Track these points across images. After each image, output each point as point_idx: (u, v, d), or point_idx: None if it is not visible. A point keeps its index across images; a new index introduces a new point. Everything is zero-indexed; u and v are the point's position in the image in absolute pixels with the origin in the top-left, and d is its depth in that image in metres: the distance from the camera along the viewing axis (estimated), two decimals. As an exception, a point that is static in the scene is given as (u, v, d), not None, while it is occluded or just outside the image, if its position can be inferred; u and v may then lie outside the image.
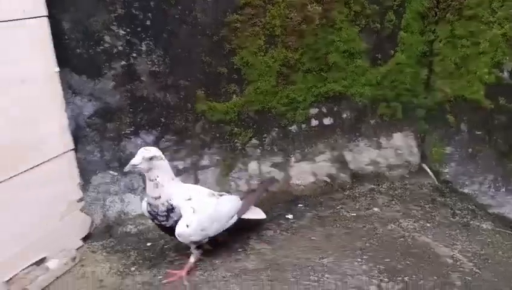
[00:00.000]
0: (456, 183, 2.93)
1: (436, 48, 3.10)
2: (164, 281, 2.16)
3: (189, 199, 2.13)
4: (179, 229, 2.08)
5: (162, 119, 2.67)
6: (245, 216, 2.39)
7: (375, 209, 2.77)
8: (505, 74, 2.65)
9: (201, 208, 2.15)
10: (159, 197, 2.06)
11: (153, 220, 2.17)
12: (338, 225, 2.62)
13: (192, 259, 2.22)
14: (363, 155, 3.14)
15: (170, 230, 2.13)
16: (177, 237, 2.10)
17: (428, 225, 2.59)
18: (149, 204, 2.13)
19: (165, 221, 2.10)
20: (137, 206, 2.61)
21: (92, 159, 2.57)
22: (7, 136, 1.93)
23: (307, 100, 2.96)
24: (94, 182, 2.59)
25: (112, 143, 2.59)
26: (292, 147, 3.01)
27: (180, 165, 2.76)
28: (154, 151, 2.01)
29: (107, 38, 2.43)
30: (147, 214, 2.19)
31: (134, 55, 2.51)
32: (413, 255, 2.31)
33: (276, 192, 2.88)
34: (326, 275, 2.20)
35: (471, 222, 2.60)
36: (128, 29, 2.46)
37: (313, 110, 3.01)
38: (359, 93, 3.07)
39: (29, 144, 2.04)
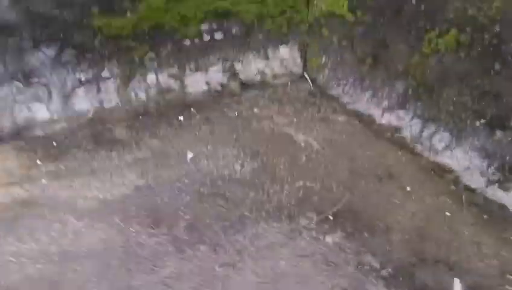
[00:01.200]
0: (327, 87, 3.46)
1: (314, -31, 3.49)
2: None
3: None
4: None
5: (61, 35, 2.96)
6: None
7: (255, 110, 3.26)
8: (360, -11, 3.10)
9: None
10: None
11: None
12: (221, 123, 3.11)
13: None
14: (252, 66, 3.58)
15: None
16: None
17: (295, 120, 3.12)
18: None
19: None
20: (44, 113, 2.97)
21: (-3, 71, 2.86)
22: None
23: (197, 17, 3.31)
24: (1, 92, 2.89)
25: (14, 56, 2.87)
26: (186, 59, 3.39)
27: (83, 77, 3.10)
28: None
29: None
30: None
31: (26, -27, 2.75)
32: (275, 142, 2.86)
33: (172, 99, 3.29)
34: (203, 160, 2.71)
35: (330, 116, 3.16)
36: (17, -51, 2.68)
37: (204, 26, 3.38)
38: (246, 10, 3.45)
39: None
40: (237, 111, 3.25)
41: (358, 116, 3.13)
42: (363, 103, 3.17)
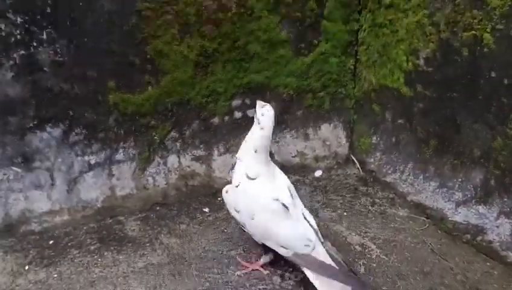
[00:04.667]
0: (380, 172, 2.90)
1: (361, 37, 3.08)
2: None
3: (251, 179, 1.92)
4: (223, 189, 2.00)
5: (70, 112, 2.55)
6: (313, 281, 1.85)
7: (296, 200, 2.70)
8: (421, 61, 2.62)
9: (248, 192, 1.91)
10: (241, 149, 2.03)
11: None
12: (255, 217, 2.54)
13: (263, 257, 2.06)
14: (290, 147, 3.09)
15: None
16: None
17: (345, 214, 2.54)
18: None
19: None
20: (44, 203, 2.49)
21: (-7, 154, 2.44)
22: None
23: (228, 91, 2.88)
24: (-4, 179, 2.45)
25: (14, 137, 2.46)
26: (215, 139, 2.93)
27: (93, 159, 2.65)
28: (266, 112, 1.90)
29: (2, 26, 2.31)
30: None
31: (35, 44, 2.39)
32: (323, 245, 2.25)
33: (196, 186, 2.79)
34: (230, 267, 2.12)
35: (388, 210, 2.57)
36: (26, 17, 2.34)
37: (236, 102, 2.94)
38: (283, 84, 3.02)
39: None
40: (273, 202, 2.69)
41: (424, 210, 2.53)
42: (428, 194, 2.57)
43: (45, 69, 2.45)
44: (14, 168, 2.47)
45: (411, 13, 2.66)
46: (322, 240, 1.92)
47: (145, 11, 2.56)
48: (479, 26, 2.29)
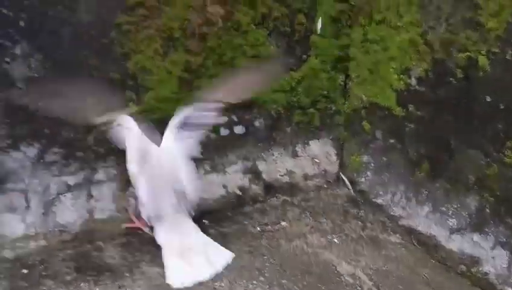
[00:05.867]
0: (371, 193, 2.82)
1: (352, 53, 2.99)
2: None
3: None
4: None
5: (46, 131, 2.41)
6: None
7: (283, 223, 2.61)
8: (413, 80, 2.54)
9: None
10: None
11: None
12: (241, 242, 2.44)
13: None
14: (278, 165, 2.98)
15: None
16: None
17: (335, 240, 2.45)
18: None
19: None
20: (17, 227, 2.34)
21: (-38, 176, 2.28)
22: None
23: (214, 108, 2.76)
24: (-35, 203, 2.30)
25: (-14, 158, 2.31)
26: (201, 157, 2.80)
27: (71, 180, 2.50)
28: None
29: (-28, 41, 2.16)
30: None
31: (8, 59, 2.24)
32: (313, 275, 2.16)
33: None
34: (216, 301, 2.01)
35: (380, 235, 2.49)
36: (-2, 31, 2.19)
37: (222, 119, 2.82)
38: (272, 99, 2.91)
39: None
40: (260, 225, 2.59)
41: (417, 236, 2.45)
42: (421, 219, 2.49)
43: (19, 85, 2.30)
44: (-16, 190, 2.32)
45: (403, 31, 2.57)
46: None
47: (124, 25, 2.42)
48: (474, 48, 2.21)
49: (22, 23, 2.23)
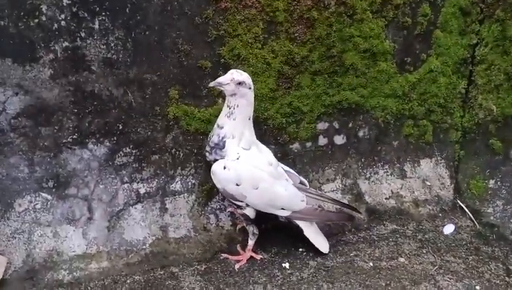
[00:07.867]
0: (505, 227, 2.24)
1: (480, 54, 2.45)
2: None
3: (246, 150, 1.86)
4: (214, 167, 1.83)
5: (120, 126, 1.97)
6: (307, 233, 2.02)
7: (401, 259, 2.06)
8: None
9: (250, 162, 1.84)
10: (223, 127, 1.83)
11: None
12: (352, 280, 1.90)
13: (250, 240, 1.99)
14: (383, 186, 2.45)
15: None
16: (211, 175, 1.85)
17: (477, 287, 1.87)
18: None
19: (208, 153, 1.87)
20: (77, 243, 1.89)
21: (18, 175, 1.86)
22: None
23: (314, 111, 2.27)
24: (19, 207, 1.86)
25: (46, 155, 1.88)
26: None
27: (142, 189, 2.05)
28: (246, 77, 1.78)
29: (44, 8, 1.74)
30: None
31: (83, 34, 1.82)
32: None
33: (270, 228, 2.16)
34: None
35: (535, 285, 1.89)
36: (75, -2, 1.78)
37: (322, 125, 2.33)
38: (381, 106, 2.40)
39: None
40: (372, 259, 2.05)
41: None
42: None
43: (93, 68, 1.87)
44: (43, 194, 1.89)
45: None
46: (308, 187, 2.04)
47: (223, 1, 1.97)
48: None
49: (103, -10, 1.81)
